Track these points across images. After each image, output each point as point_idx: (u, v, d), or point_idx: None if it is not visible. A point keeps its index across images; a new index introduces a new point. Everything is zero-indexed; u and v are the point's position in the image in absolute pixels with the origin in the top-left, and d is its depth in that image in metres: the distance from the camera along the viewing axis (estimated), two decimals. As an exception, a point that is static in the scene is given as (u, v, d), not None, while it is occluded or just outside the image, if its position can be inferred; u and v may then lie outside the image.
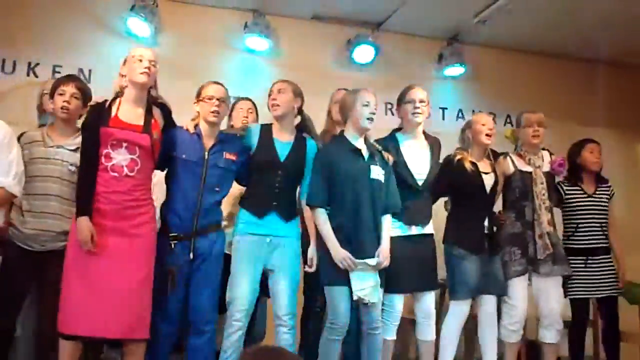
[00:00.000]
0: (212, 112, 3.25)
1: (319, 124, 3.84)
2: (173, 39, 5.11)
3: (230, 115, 3.91)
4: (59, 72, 4.80)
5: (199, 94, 3.33)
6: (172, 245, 3.12)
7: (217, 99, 3.27)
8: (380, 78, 5.45)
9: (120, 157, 2.97)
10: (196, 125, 3.31)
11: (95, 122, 3.01)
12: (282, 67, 5.22)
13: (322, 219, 3.24)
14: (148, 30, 4.99)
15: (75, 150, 3.29)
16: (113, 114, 3.02)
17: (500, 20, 5.26)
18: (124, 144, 2.98)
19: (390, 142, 3.63)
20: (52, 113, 3.38)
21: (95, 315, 2.84)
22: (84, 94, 3.38)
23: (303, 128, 3.53)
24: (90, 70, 4.92)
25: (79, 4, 5.02)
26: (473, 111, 5.63)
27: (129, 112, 3.06)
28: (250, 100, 4.03)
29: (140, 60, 3.06)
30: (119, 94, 3.10)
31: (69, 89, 3.32)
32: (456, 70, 5.75)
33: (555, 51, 5.96)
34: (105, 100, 3.08)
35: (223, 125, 3.55)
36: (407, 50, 5.75)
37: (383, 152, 3.44)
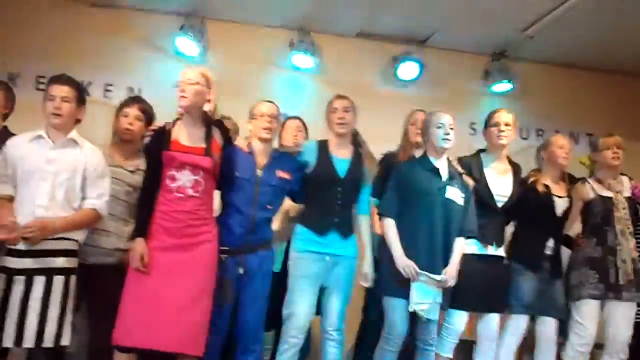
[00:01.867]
0: (264, 129, 3.29)
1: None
2: (221, 58, 5.18)
3: (279, 134, 3.95)
4: (109, 91, 4.96)
5: (251, 113, 3.37)
6: (223, 259, 3.15)
7: (269, 116, 3.30)
8: (426, 94, 5.45)
9: (184, 179, 3.03)
10: (249, 144, 3.34)
11: (157, 147, 3.07)
12: (328, 85, 5.27)
13: (390, 228, 3.29)
14: (196, 49, 5.07)
15: (133, 172, 3.37)
16: (174, 137, 3.07)
17: (548, 35, 5.18)
18: (187, 166, 3.03)
19: (473, 161, 3.66)
20: (115, 133, 3.46)
21: (151, 328, 2.88)
22: (147, 115, 3.47)
23: (356, 144, 3.54)
24: (139, 89, 5.02)
25: (130, 25, 5.14)
26: (521, 129, 5.58)
27: (190, 134, 3.10)
28: (299, 118, 4.07)
29: (181, 85, 3.09)
30: (180, 117, 3.15)
31: (133, 111, 3.41)
32: (503, 86, 5.67)
33: (605, 66, 5.84)
34: (167, 123, 3.14)
35: (274, 144, 3.57)
36: (453, 66, 5.70)
37: (464, 176, 3.45)
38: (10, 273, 2.84)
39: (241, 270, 3.17)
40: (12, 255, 2.86)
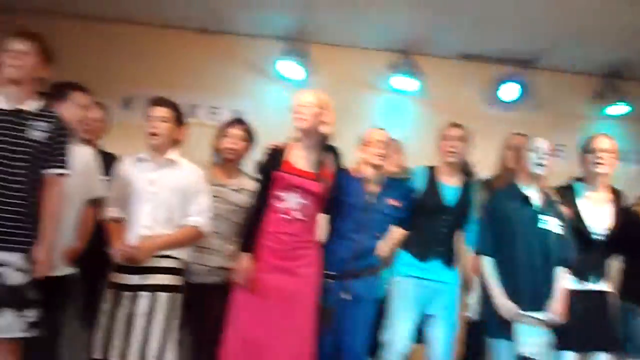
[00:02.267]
0: (377, 156, 3.27)
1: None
2: (323, 81, 5.18)
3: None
4: (214, 113, 5.13)
5: (363, 139, 3.35)
6: (328, 284, 3.12)
7: (382, 143, 3.28)
8: (530, 117, 5.25)
9: (292, 201, 3.05)
10: (360, 170, 3.32)
11: (270, 166, 3.10)
12: (429, 107, 5.22)
13: (488, 268, 3.15)
14: (301, 73, 5.13)
15: (237, 191, 3.43)
16: (287, 159, 3.10)
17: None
18: (296, 189, 3.05)
19: (566, 191, 3.44)
20: (218, 153, 3.55)
21: (256, 351, 2.90)
22: (250, 136, 3.54)
23: (467, 172, 3.47)
24: (244, 112, 5.12)
25: (235, 50, 5.31)
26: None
27: (303, 158, 3.13)
28: (396, 140, 4.02)
29: (297, 108, 3.11)
30: (294, 139, 3.18)
31: (236, 132, 3.49)
32: (619, 108, 5.32)
33: None
34: (283, 144, 3.16)
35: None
36: (558, 87, 5.45)
37: (559, 204, 3.27)
38: (119, 289, 2.93)
39: (346, 296, 3.13)
40: (121, 272, 2.95)
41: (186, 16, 5.10)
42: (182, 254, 3.06)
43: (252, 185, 3.51)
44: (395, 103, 5.39)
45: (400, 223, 3.33)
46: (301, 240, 3.05)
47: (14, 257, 2.50)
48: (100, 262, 3.06)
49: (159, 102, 3.14)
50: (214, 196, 3.29)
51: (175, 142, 3.15)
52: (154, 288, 2.92)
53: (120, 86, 5.09)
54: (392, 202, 3.26)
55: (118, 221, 3.05)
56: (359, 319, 3.15)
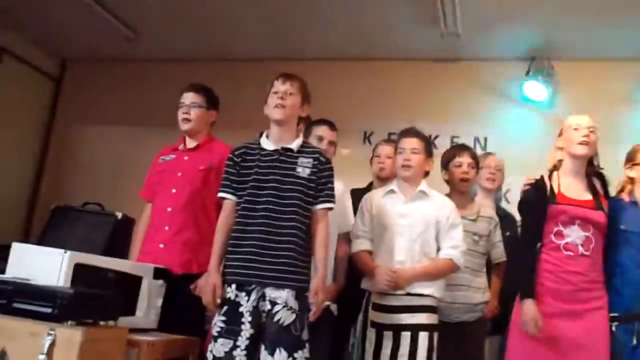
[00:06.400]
0: None
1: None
2: (570, 99, 4.87)
3: None
4: (456, 142, 5.01)
5: (631, 159, 3.01)
6: (613, 328, 2.81)
7: None
8: None
9: (574, 235, 2.82)
10: (632, 193, 2.98)
11: (540, 199, 2.88)
12: None
13: None
14: (545, 93, 4.88)
15: (475, 220, 3.30)
16: (556, 189, 2.89)
17: None
18: (577, 222, 2.82)
19: None
20: (448, 183, 3.44)
21: None
22: (477, 162, 3.43)
23: None
24: (485, 138, 4.99)
25: (473, 75, 5.19)
26: None
27: (573, 186, 2.89)
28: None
29: (577, 129, 2.87)
30: (556, 167, 2.97)
31: (466, 159, 3.38)
32: None
33: None
34: (542, 176, 2.96)
35: None
36: None
37: None
38: (380, 328, 2.91)
39: (634, 342, 2.77)
40: (380, 310, 2.93)
41: (421, 47, 5.10)
42: (437, 292, 2.95)
43: (487, 211, 3.38)
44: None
45: None
46: (589, 280, 2.77)
47: (287, 295, 2.53)
48: (353, 298, 3.09)
49: (410, 133, 3.11)
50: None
51: (425, 174, 3.10)
52: (416, 328, 2.86)
53: (362, 121, 5.23)
54: None
55: (369, 254, 3.06)
56: None
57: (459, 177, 3.37)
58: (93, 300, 2.22)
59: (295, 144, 2.70)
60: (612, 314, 2.80)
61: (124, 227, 3.70)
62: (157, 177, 3.29)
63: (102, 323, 2.26)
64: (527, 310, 2.73)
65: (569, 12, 4.42)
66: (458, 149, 3.55)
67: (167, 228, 3.12)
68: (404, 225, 2.98)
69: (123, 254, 3.26)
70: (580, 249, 2.77)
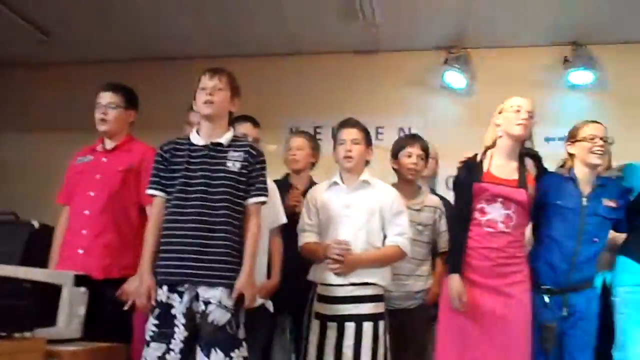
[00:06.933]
0: (595, 153, 2.97)
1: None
2: (487, 86, 5.00)
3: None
4: (381, 133, 5.07)
5: (573, 135, 3.07)
6: (545, 300, 2.90)
7: (600, 138, 2.98)
8: None
9: (495, 212, 2.88)
10: (570, 169, 3.06)
11: (469, 178, 2.95)
12: (608, 99, 4.88)
13: None
14: (463, 81, 5.00)
15: (419, 210, 3.32)
16: (485, 168, 2.95)
17: None
18: (499, 200, 2.88)
19: None
20: (396, 172, 3.44)
21: None
22: (427, 154, 3.43)
23: None
24: (409, 129, 5.04)
25: (395, 65, 5.26)
26: None
27: (503, 165, 2.96)
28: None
29: (518, 111, 2.93)
30: (489, 146, 3.01)
31: (415, 150, 3.38)
32: None
33: None
34: (475, 155, 3.01)
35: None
36: None
37: None
38: (324, 319, 2.89)
39: (564, 312, 2.89)
40: (324, 302, 2.91)
41: (342, 39, 5.14)
42: (382, 280, 2.95)
43: (433, 201, 3.39)
44: (570, 99, 5.03)
45: (614, 225, 3.03)
46: (508, 256, 2.85)
47: (220, 294, 2.49)
48: (299, 292, 3.07)
49: (349, 124, 3.10)
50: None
51: (366, 163, 3.09)
52: (360, 318, 2.85)
53: (287, 117, 5.25)
54: (607, 202, 2.96)
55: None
56: (582, 338, 2.89)
57: (407, 167, 3.36)
58: (4, 311, 2.12)
59: (225, 138, 2.66)
60: (544, 287, 2.90)
61: (42, 236, 3.54)
62: (74, 179, 3.17)
63: (16, 335, 2.17)
64: (452, 285, 2.80)
65: (483, 2, 4.55)
66: (409, 139, 3.54)
67: (85, 232, 3.00)
68: (347, 215, 2.97)
69: (44, 263, 3.12)
70: (501, 225, 2.84)
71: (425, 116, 5.08)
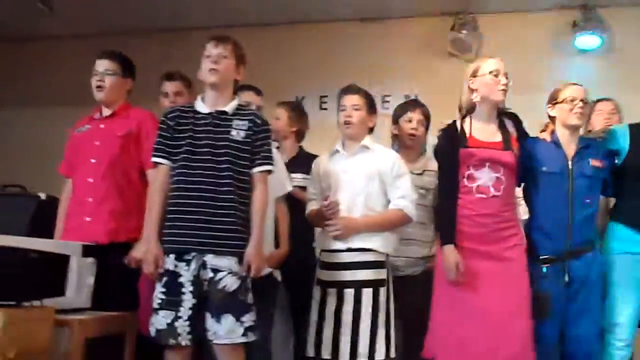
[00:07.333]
0: (575, 114, 2.93)
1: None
2: (494, 52, 4.91)
3: (588, 120, 3.50)
4: (387, 102, 5.02)
5: (554, 98, 3.02)
6: (545, 269, 2.87)
7: (581, 100, 2.94)
8: None
9: (485, 177, 2.84)
10: (552, 132, 3.02)
11: (451, 144, 2.91)
12: (615, 63, 4.82)
13: None
14: (471, 47, 4.93)
15: (421, 174, 3.28)
16: (468, 133, 2.90)
17: None
18: (487, 164, 2.84)
19: None
20: (396, 138, 3.42)
21: (469, 343, 2.71)
22: (428, 119, 3.39)
23: None
24: (416, 95, 4.98)
25: (401, 32, 5.22)
26: None
27: (484, 128, 2.91)
28: (612, 100, 3.63)
29: (496, 76, 2.87)
30: (468, 111, 2.96)
31: (416, 115, 3.35)
32: None
33: None
34: (454, 122, 2.97)
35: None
36: None
37: None
38: (325, 285, 2.90)
39: (566, 279, 2.85)
40: (325, 269, 2.92)
41: (348, 7, 5.08)
42: (385, 247, 2.92)
43: (435, 165, 3.30)
44: (578, 64, 4.95)
45: (603, 190, 3.01)
46: (502, 220, 2.81)
47: (229, 262, 2.51)
48: (302, 260, 3.10)
49: (350, 90, 3.06)
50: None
51: (369, 130, 3.06)
52: (359, 284, 2.85)
53: (294, 86, 5.21)
54: (594, 162, 2.92)
55: None
56: (584, 305, 2.86)
57: (407, 133, 3.33)
58: (12, 281, 2.13)
59: (230, 107, 2.65)
60: (542, 256, 2.87)
61: (48, 208, 3.55)
62: (75, 149, 3.16)
63: (25, 304, 2.19)
64: (447, 256, 2.76)
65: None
66: (410, 104, 3.50)
67: (90, 199, 3.00)
68: (345, 180, 2.95)
69: (51, 235, 3.12)
70: (492, 190, 2.80)
71: (432, 83, 5.00)
